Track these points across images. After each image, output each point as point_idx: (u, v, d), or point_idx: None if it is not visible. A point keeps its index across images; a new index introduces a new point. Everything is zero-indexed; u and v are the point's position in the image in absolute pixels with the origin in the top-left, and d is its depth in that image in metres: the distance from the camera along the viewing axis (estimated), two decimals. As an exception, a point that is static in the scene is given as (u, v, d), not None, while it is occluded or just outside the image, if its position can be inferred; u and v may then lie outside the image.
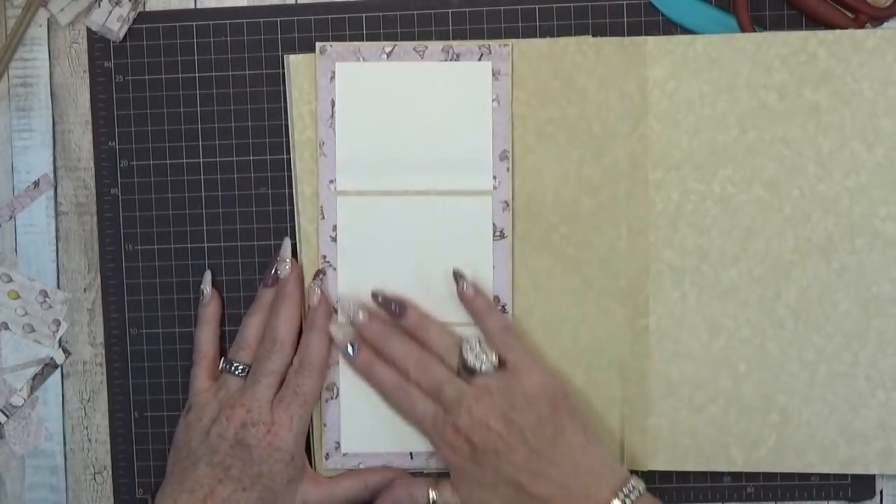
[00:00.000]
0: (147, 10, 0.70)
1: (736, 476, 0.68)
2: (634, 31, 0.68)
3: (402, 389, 0.66)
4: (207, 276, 0.70)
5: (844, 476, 0.68)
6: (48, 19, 0.70)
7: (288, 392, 0.66)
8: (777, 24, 0.68)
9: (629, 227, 0.67)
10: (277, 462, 0.65)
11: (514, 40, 0.67)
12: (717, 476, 0.68)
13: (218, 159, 0.70)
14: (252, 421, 0.65)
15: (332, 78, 0.67)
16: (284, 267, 0.68)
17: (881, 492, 0.69)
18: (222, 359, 0.68)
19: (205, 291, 0.69)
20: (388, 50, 0.67)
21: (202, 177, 0.70)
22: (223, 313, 0.70)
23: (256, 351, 0.67)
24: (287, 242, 0.68)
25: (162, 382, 0.71)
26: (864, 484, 0.68)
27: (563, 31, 0.68)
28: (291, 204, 0.69)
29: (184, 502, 0.64)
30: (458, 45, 0.67)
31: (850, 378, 0.67)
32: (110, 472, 0.71)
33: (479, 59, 0.67)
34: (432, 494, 0.66)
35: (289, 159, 0.69)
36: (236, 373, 0.67)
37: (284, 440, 0.65)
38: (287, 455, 0.65)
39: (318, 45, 0.68)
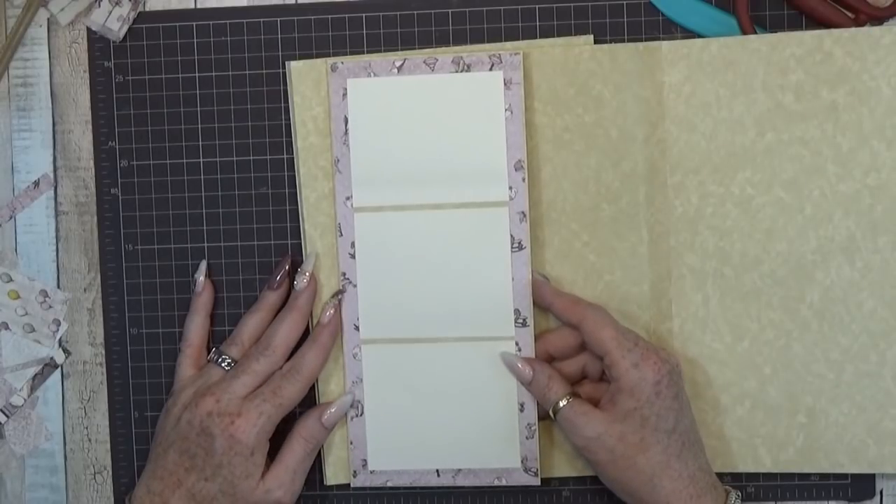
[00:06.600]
0: (147, 10, 0.70)
1: (736, 476, 0.69)
2: (634, 30, 0.68)
3: None
4: (202, 265, 0.70)
5: (844, 476, 0.68)
6: (48, 19, 0.70)
7: (266, 390, 0.65)
8: (777, 24, 0.68)
9: (650, 232, 0.67)
10: (237, 455, 0.64)
11: (525, 47, 0.67)
12: (717, 476, 0.68)
13: (218, 159, 0.70)
14: (218, 411, 0.64)
15: (345, 95, 0.67)
16: (303, 280, 0.67)
17: (881, 492, 0.69)
18: (213, 349, 0.68)
19: (198, 280, 0.69)
20: (398, 64, 0.67)
21: (202, 177, 0.70)
22: (217, 305, 0.70)
23: (248, 350, 0.67)
24: (311, 257, 0.68)
25: (162, 382, 0.71)
26: (864, 483, 0.68)
27: (563, 31, 0.68)
28: (292, 204, 0.69)
29: (155, 488, 0.65)
30: (468, 56, 0.66)
31: (877, 377, 0.66)
32: (110, 472, 0.71)
33: (490, 69, 0.66)
34: None
35: (289, 159, 0.69)
36: (222, 365, 0.67)
37: (246, 434, 0.64)
38: (246, 449, 0.64)
39: (330, 61, 0.67)
